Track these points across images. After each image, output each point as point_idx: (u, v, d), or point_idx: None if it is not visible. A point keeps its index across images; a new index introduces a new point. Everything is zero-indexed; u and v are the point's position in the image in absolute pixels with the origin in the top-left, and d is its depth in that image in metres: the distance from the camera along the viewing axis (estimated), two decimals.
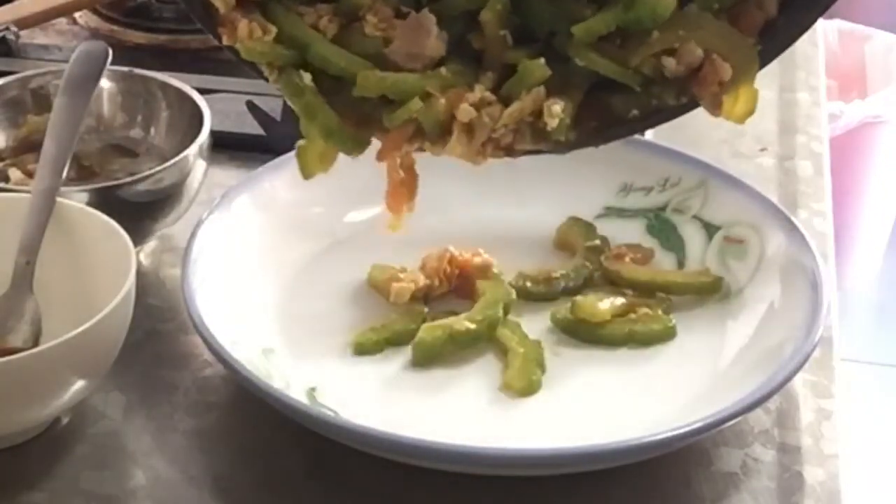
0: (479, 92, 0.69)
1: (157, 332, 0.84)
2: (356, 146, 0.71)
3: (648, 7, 0.68)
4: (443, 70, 0.70)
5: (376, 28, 0.70)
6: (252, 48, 0.69)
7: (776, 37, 0.70)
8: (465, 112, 0.69)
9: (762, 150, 1.04)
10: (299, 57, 0.69)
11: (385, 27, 0.70)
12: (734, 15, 0.69)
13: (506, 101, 0.70)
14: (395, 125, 0.70)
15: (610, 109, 0.71)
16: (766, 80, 1.13)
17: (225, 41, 0.69)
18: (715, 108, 0.70)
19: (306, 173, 0.72)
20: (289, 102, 0.70)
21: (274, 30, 0.69)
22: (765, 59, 0.69)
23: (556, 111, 0.69)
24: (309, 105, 0.69)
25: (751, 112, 0.70)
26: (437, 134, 0.70)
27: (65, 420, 0.77)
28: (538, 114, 0.69)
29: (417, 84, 0.69)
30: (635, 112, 0.71)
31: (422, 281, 0.85)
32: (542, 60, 0.69)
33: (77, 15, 1.16)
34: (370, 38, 0.70)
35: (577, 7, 0.70)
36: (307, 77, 0.69)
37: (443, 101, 0.69)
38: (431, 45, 0.70)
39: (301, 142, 0.71)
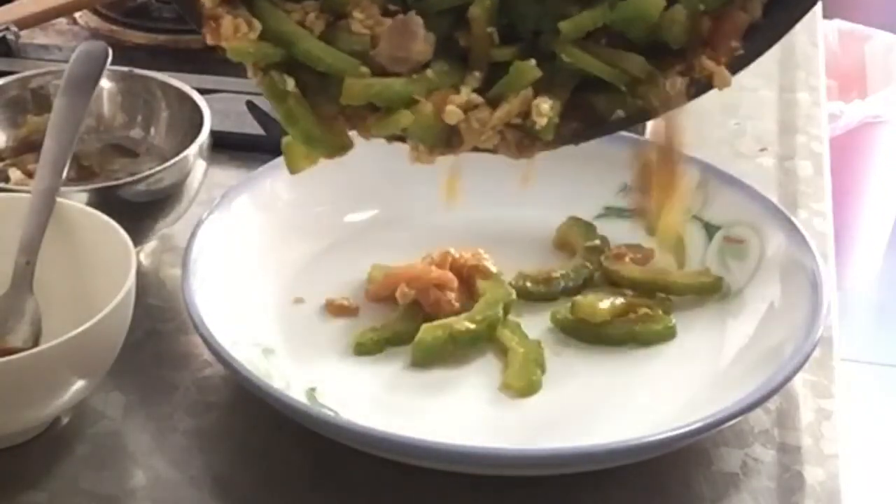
0: (466, 94, 0.69)
1: (157, 332, 0.84)
2: (337, 150, 0.70)
3: (637, 6, 0.68)
4: (428, 72, 0.69)
5: (363, 25, 0.70)
6: (239, 48, 0.68)
7: (758, 38, 0.70)
8: (452, 114, 0.68)
9: (762, 150, 1.04)
10: (287, 56, 0.69)
11: (371, 24, 0.70)
12: (718, 17, 0.70)
13: (493, 102, 0.69)
14: (383, 135, 0.70)
15: (593, 110, 0.71)
16: (767, 80, 1.13)
17: (209, 40, 0.69)
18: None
19: (293, 169, 0.71)
20: (270, 105, 0.70)
21: (258, 26, 0.68)
22: (745, 61, 0.70)
23: (545, 110, 0.68)
24: (290, 111, 0.69)
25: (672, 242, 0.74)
26: (429, 141, 0.70)
27: (65, 420, 0.77)
28: (524, 114, 0.69)
29: (404, 90, 0.68)
30: (620, 113, 0.71)
31: None
32: (534, 61, 0.69)
33: (77, 15, 1.16)
34: (357, 35, 0.70)
35: (563, 5, 0.70)
36: (290, 82, 0.69)
37: (430, 106, 0.68)
38: (418, 49, 0.69)
39: (287, 138, 0.71)
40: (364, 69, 0.69)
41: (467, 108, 0.69)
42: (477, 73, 0.70)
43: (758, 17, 0.70)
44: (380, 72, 0.69)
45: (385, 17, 0.70)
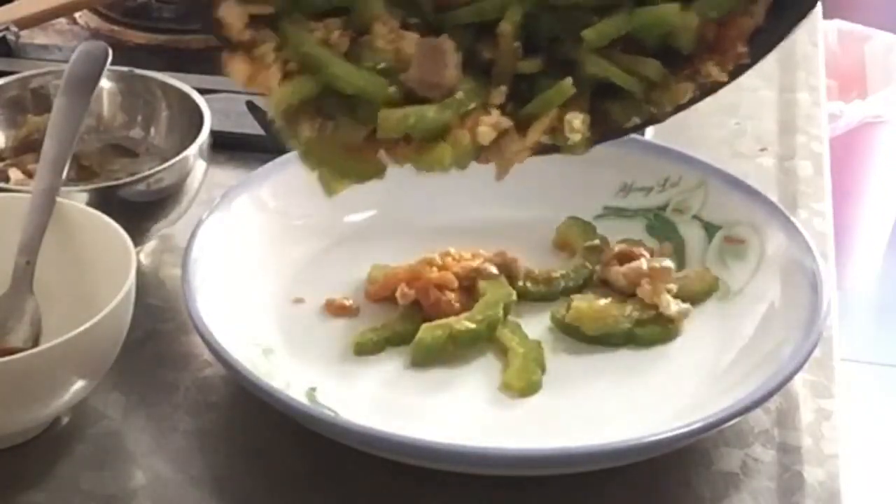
0: (496, 116, 0.69)
1: (157, 332, 0.84)
2: (370, 175, 0.71)
3: (657, 14, 0.68)
4: (459, 94, 0.69)
5: (386, 40, 0.70)
6: (281, 97, 0.68)
7: (760, 42, 0.71)
8: (485, 135, 0.68)
9: (762, 150, 1.04)
10: (320, 88, 0.69)
11: (393, 37, 0.70)
12: (724, 23, 0.70)
13: (522, 118, 0.70)
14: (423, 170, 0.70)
15: (608, 117, 0.72)
16: (767, 80, 1.13)
17: (240, 81, 0.69)
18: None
19: (329, 192, 0.72)
20: (288, 146, 0.70)
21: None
22: (748, 65, 0.71)
23: (578, 126, 0.69)
24: (309, 152, 0.69)
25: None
26: (465, 165, 0.70)
27: (65, 420, 0.77)
28: (551, 129, 0.70)
29: (439, 119, 0.68)
30: (635, 120, 0.71)
31: None
32: (570, 80, 0.69)
33: (77, 15, 1.16)
34: (382, 51, 0.70)
35: (581, 14, 0.70)
36: (305, 133, 0.69)
37: (468, 136, 0.68)
38: (450, 75, 0.69)
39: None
40: (392, 89, 0.69)
41: (497, 129, 0.69)
42: (503, 88, 0.70)
43: (761, 22, 0.70)
44: (407, 91, 0.69)
45: (404, 29, 0.70)
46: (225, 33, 0.69)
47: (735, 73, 0.72)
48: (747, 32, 0.70)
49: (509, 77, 0.70)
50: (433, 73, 0.69)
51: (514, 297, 0.84)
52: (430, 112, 0.68)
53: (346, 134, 0.70)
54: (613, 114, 0.71)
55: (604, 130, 0.72)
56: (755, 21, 0.70)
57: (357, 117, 0.69)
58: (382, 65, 0.69)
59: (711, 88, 0.72)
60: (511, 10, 0.69)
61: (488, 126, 0.69)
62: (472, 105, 0.69)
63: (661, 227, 0.91)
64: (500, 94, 0.70)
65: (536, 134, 0.69)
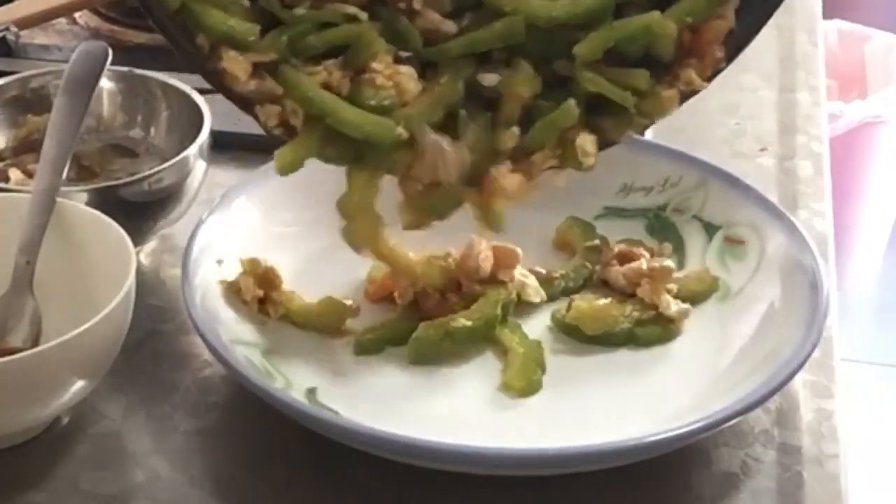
0: (509, 164, 0.72)
1: (157, 332, 0.84)
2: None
3: (643, 22, 0.70)
4: (466, 156, 0.71)
5: (385, 76, 0.70)
6: (289, 162, 0.72)
7: (731, 43, 0.73)
8: (513, 184, 0.72)
9: (762, 150, 1.04)
10: (325, 133, 0.71)
11: (390, 73, 0.70)
12: (698, 28, 0.72)
13: (530, 143, 0.72)
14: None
15: (602, 132, 0.73)
16: (767, 80, 1.13)
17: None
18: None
19: (359, 249, 0.75)
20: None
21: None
22: (722, 67, 0.73)
23: (590, 148, 0.71)
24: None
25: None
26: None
27: (65, 420, 0.77)
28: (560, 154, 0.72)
29: (458, 197, 0.73)
30: (629, 133, 0.73)
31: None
32: (573, 102, 0.70)
33: (77, 15, 1.16)
34: (384, 88, 0.70)
35: (568, 33, 0.71)
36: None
37: (500, 202, 0.73)
38: (453, 164, 0.71)
39: (343, 224, 0.74)
40: (400, 130, 0.70)
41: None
42: (515, 130, 0.72)
43: (732, 24, 0.71)
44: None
45: (397, 63, 0.71)
46: (228, 84, 0.70)
47: (710, 77, 0.73)
48: (722, 35, 0.71)
49: (516, 117, 0.72)
50: (437, 170, 0.72)
51: (515, 296, 0.83)
52: (451, 195, 0.71)
53: (362, 187, 0.71)
54: (607, 130, 0.73)
55: (599, 144, 0.73)
56: (727, 23, 0.71)
57: (365, 163, 0.71)
58: (386, 102, 0.70)
59: (690, 93, 0.73)
60: (521, 67, 0.71)
61: (507, 173, 0.70)
62: (483, 153, 0.71)
63: (661, 227, 0.91)
64: (511, 136, 0.71)
65: (542, 164, 0.71)
